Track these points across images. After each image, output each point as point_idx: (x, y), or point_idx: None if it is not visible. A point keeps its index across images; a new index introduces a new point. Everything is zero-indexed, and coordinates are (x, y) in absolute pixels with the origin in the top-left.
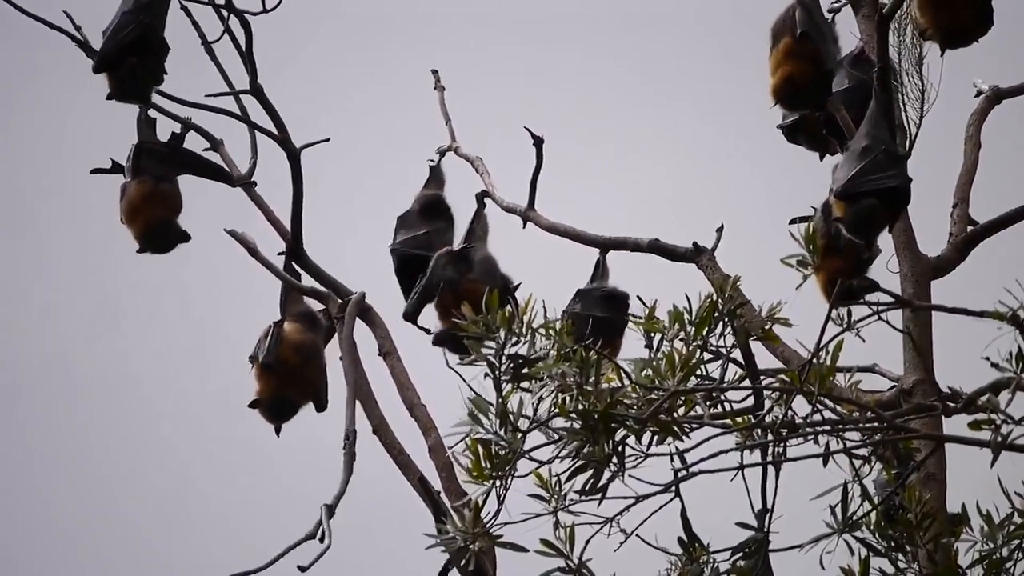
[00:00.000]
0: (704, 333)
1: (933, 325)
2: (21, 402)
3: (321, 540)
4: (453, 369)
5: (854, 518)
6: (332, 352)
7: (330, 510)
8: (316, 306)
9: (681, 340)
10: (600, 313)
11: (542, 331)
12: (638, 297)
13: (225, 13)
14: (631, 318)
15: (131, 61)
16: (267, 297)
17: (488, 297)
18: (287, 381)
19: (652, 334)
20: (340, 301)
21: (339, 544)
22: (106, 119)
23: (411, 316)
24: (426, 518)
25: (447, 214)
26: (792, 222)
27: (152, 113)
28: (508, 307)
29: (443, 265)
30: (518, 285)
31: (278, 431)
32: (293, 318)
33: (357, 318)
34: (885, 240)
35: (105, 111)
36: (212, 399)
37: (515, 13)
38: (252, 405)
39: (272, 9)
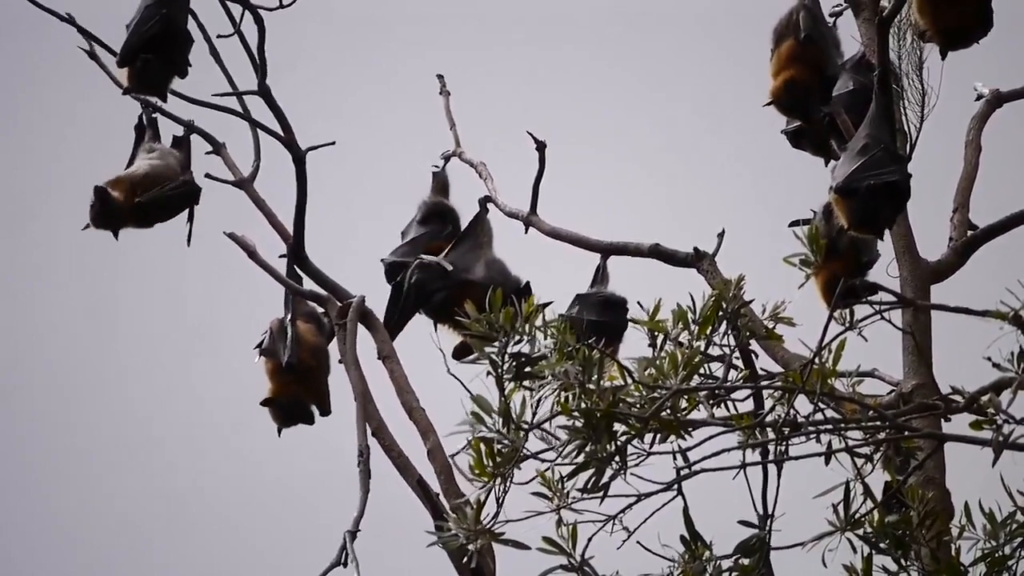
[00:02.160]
0: (708, 332)
1: (932, 330)
2: (20, 403)
3: (345, 566)
4: (453, 375)
5: (856, 516)
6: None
7: (353, 535)
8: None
9: (684, 339)
10: (598, 318)
11: (544, 329)
12: (638, 303)
13: (239, 11)
14: (632, 321)
15: (144, 57)
16: (267, 299)
17: (491, 296)
18: (301, 383)
19: (655, 333)
20: (340, 305)
21: (333, 538)
22: (107, 119)
23: (392, 328)
24: (425, 521)
25: (446, 217)
26: (792, 225)
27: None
28: (512, 307)
29: (415, 273)
30: (527, 283)
31: (280, 431)
32: (304, 318)
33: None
34: (885, 244)
35: (105, 111)
36: (211, 402)
37: (519, 16)
38: (265, 403)
39: (288, 5)
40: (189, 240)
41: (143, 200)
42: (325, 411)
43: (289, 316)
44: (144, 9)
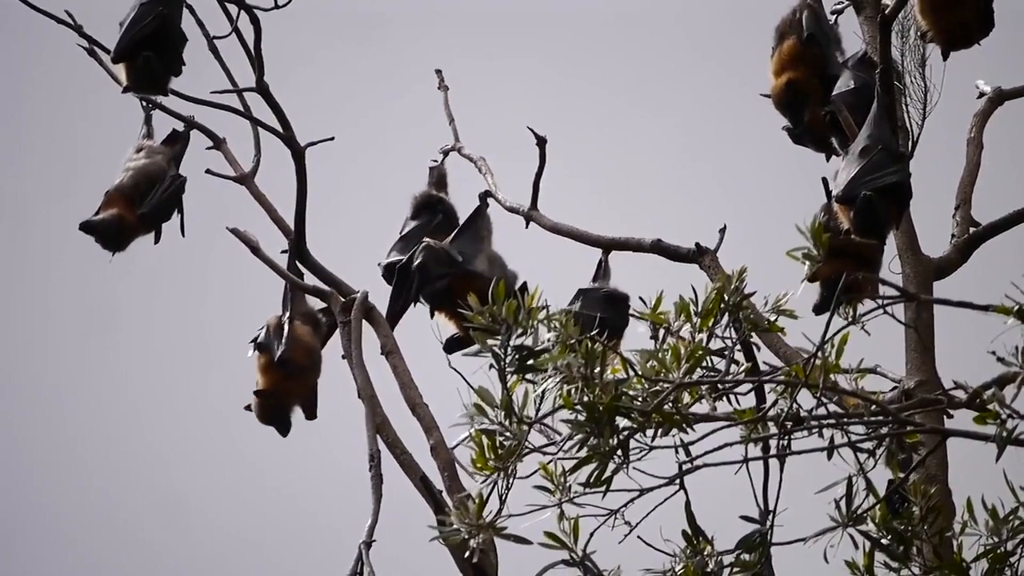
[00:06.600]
0: (710, 325)
1: (935, 325)
2: (20, 403)
3: None
4: (456, 370)
5: (858, 512)
6: (329, 352)
7: (368, 546)
8: (316, 304)
9: (687, 332)
10: (600, 313)
11: (547, 323)
12: (640, 298)
13: (235, 10)
14: (633, 315)
15: (145, 55)
16: (269, 295)
17: (494, 289)
18: (292, 382)
19: (657, 326)
20: (343, 300)
21: (339, 543)
22: (107, 119)
23: (396, 312)
24: (428, 515)
25: (436, 208)
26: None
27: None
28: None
29: (422, 254)
30: (524, 284)
31: (285, 432)
32: (302, 318)
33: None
34: (888, 241)
35: (106, 111)
36: (215, 404)
37: (519, 13)
38: (256, 394)
39: (283, 6)
40: (183, 230)
41: (146, 211)
42: (311, 415)
43: (287, 314)
44: (139, 6)
